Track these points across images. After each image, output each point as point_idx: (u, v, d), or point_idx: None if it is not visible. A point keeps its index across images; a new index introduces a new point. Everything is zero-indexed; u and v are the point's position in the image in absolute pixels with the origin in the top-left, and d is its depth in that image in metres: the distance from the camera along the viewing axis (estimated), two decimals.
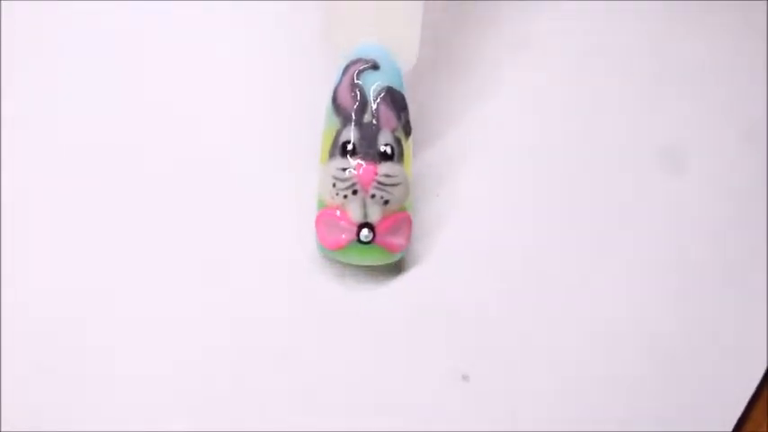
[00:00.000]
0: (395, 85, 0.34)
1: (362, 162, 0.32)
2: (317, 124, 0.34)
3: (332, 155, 0.33)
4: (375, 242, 0.33)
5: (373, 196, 0.32)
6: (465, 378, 0.33)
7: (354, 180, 0.32)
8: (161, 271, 0.34)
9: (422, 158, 0.36)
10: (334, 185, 0.32)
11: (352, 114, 0.33)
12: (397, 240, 0.33)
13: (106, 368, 0.32)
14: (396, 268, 0.34)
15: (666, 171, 0.38)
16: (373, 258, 0.33)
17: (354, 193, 0.32)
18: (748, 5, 0.42)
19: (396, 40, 0.34)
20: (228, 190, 0.36)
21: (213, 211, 0.35)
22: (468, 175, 0.37)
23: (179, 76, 0.38)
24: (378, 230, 0.33)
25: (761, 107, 0.39)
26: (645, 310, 0.35)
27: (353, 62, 0.34)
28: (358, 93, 0.33)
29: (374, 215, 0.33)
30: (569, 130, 0.38)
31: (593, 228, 0.36)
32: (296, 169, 0.36)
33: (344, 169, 0.32)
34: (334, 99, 0.33)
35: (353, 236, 0.33)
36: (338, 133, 0.33)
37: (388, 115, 0.33)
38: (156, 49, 0.39)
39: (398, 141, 0.33)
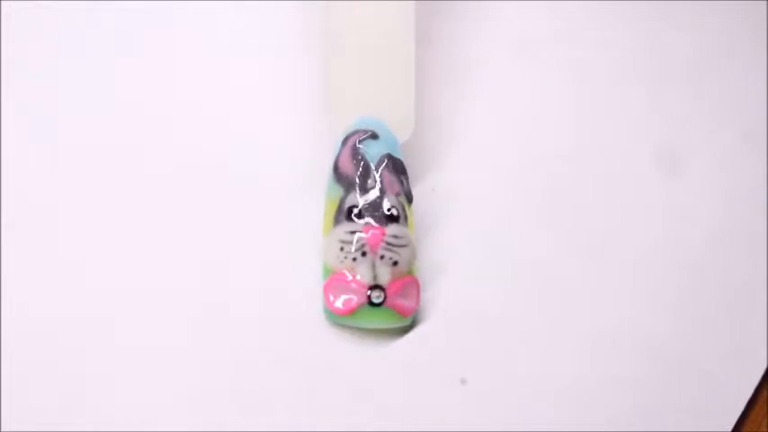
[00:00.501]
0: (395, 153, 0.34)
1: (370, 225, 0.33)
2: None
3: (337, 221, 0.33)
4: (386, 304, 0.32)
5: (382, 257, 0.32)
6: (463, 381, 0.33)
7: (363, 242, 0.32)
8: (161, 272, 0.34)
9: (422, 155, 0.37)
10: (342, 249, 0.32)
11: (356, 180, 0.33)
12: (408, 303, 0.33)
13: (106, 368, 0.32)
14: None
15: (666, 171, 0.38)
16: (384, 321, 0.33)
17: (363, 254, 0.32)
18: (748, 5, 0.42)
19: (392, 114, 0.35)
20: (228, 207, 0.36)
21: (213, 214, 0.36)
22: (467, 175, 0.37)
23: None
24: (388, 292, 0.32)
25: (760, 107, 0.39)
26: (644, 311, 0.35)
27: (353, 133, 0.34)
28: (360, 160, 0.33)
29: (384, 277, 0.32)
30: (568, 131, 0.38)
31: (593, 228, 0.36)
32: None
33: (352, 232, 0.32)
34: (336, 169, 0.34)
35: (364, 298, 0.32)
36: (342, 200, 0.33)
37: (391, 180, 0.33)
38: (156, 52, 0.39)
39: (402, 206, 0.33)
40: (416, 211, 0.34)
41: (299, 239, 0.35)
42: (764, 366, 0.34)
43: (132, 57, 0.39)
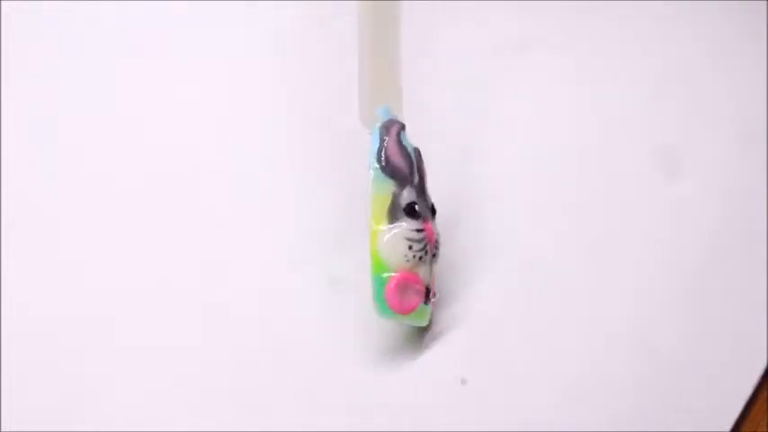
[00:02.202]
0: None
1: (426, 222, 0.32)
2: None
3: (396, 217, 0.32)
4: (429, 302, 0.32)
5: (434, 256, 0.32)
6: (463, 381, 0.33)
7: (426, 241, 0.32)
8: (161, 272, 0.34)
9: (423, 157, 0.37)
10: (410, 248, 0.32)
11: (408, 176, 0.32)
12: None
13: (106, 368, 0.32)
14: None
15: (666, 171, 0.38)
16: (425, 319, 0.33)
17: (426, 254, 0.32)
18: (748, 5, 0.42)
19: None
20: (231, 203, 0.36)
21: (213, 213, 0.36)
22: (466, 175, 0.37)
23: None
24: (433, 291, 0.32)
25: (760, 107, 0.39)
26: (644, 311, 0.35)
27: (390, 123, 0.33)
28: (407, 153, 0.32)
29: (430, 275, 0.32)
30: (568, 131, 0.39)
31: (593, 228, 0.36)
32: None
33: (419, 230, 0.32)
34: (388, 161, 0.32)
35: (423, 298, 0.32)
36: (396, 195, 0.32)
37: (425, 174, 0.33)
38: (157, 51, 0.39)
39: None
40: None
41: (300, 239, 0.35)
42: (764, 366, 0.34)
43: (134, 57, 0.39)
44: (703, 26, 0.42)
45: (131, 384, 0.32)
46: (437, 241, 0.32)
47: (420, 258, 0.32)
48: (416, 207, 0.32)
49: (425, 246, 0.32)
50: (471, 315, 0.34)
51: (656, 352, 0.34)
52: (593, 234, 0.36)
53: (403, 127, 0.33)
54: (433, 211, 0.33)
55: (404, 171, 0.32)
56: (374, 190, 0.32)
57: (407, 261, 0.32)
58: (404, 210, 0.32)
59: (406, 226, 0.32)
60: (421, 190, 0.32)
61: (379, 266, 0.32)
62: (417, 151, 0.33)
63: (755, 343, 0.34)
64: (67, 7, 0.40)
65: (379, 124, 0.33)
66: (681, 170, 0.38)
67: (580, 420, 0.32)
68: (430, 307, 0.32)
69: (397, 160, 0.32)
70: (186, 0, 0.40)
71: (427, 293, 0.32)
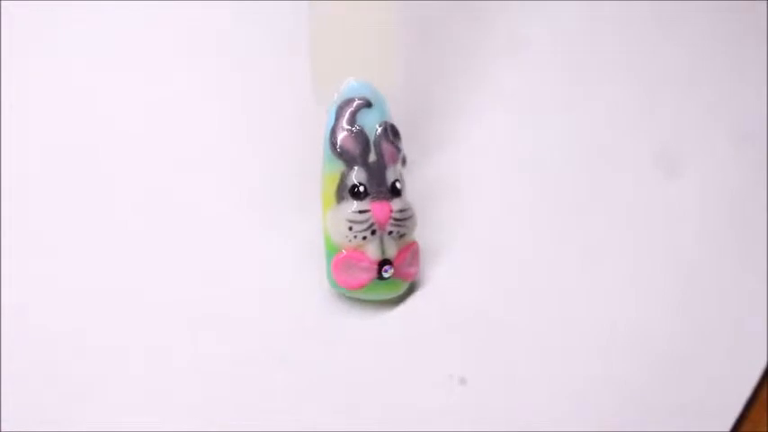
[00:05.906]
0: (387, 118, 0.33)
1: (376, 202, 0.32)
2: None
3: (341, 198, 0.32)
4: (393, 276, 0.33)
5: (390, 233, 0.32)
6: (463, 381, 0.33)
7: (372, 221, 0.32)
8: (161, 272, 0.34)
9: (421, 154, 0.37)
10: (350, 228, 0.32)
11: (358, 156, 0.32)
12: (412, 269, 0.33)
13: (106, 368, 0.32)
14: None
15: (665, 172, 0.38)
16: (391, 291, 0.33)
17: (373, 233, 0.32)
18: (748, 5, 0.42)
19: (377, 72, 0.33)
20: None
21: (212, 213, 0.36)
22: (464, 176, 0.37)
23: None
24: (396, 264, 0.33)
25: (759, 108, 0.40)
26: (643, 311, 0.35)
27: (346, 102, 0.33)
28: (359, 133, 0.32)
29: (391, 250, 0.32)
30: (565, 133, 0.39)
31: (591, 229, 0.36)
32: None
33: (361, 212, 0.32)
34: (334, 143, 0.32)
35: (375, 274, 0.32)
36: (344, 176, 0.32)
37: (390, 151, 0.33)
38: (150, 53, 0.39)
39: (401, 175, 0.33)
40: (416, 212, 0.34)
41: (300, 239, 0.35)
42: (764, 366, 0.34)
43: (134, 56, 0.39)
44: (703, 26, 0.42)
45: (131, 384, 0.32)
46: (396, 219, 0.32)
47: (364, 238, 0.32)
48: (360, 188, 0.32)
49: (371, 226, 0.32)
50: (470, 315, 0.34)
51: (655, 352, 0.34)
52: (593, 234, 0.36)
53: (365, 104, 0.33)
54: (395, 191, 0.33)
55: (351, 152, 0.32)
56: (325, 169, 0.33)
57: (349, 241, 0.32)
58: (349, 191, 0.32)
59: (351, 207, 0.32)
60: (377, 170, 0.32)
61: (328, 245, 0.33)
62: (383, 127, 0.33)
63: (755, 343, 0.34)
64: (67, 7, 0.40)
65: (336, 102, 0.33)
66: (680, 170, 0.38)
67: (580, 420, 0.32)
68: (391, 279, 0.33)
69: (345, 140, 0.32)
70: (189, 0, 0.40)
71: (380, 268, 0.32)
